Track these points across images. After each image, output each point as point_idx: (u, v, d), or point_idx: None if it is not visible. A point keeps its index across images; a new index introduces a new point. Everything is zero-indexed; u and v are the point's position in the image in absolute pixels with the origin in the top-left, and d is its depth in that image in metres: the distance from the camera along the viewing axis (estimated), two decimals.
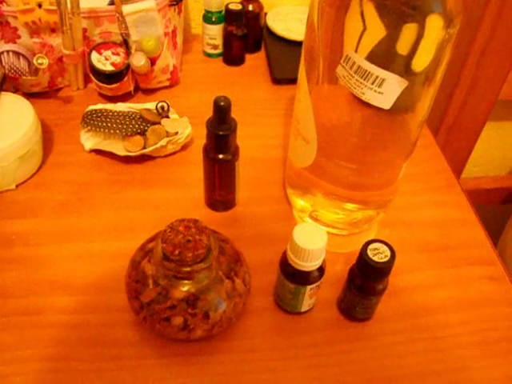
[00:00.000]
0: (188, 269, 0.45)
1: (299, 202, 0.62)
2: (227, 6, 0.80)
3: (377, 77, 0.43)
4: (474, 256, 0.62)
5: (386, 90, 0.44)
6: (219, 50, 0.87)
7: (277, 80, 0.82)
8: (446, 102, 1.05)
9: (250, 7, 0.84)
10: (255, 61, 0.88)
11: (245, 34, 0.83)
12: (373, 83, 0.44)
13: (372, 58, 0.42)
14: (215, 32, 0.84)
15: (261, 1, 0.85)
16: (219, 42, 0.85)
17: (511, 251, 1.16)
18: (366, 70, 0.43)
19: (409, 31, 0.40)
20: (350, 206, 0.58)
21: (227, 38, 0.83)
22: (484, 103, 1.05)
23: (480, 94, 1.03)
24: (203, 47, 0.88)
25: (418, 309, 0.56)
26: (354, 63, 0.43)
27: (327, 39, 0.45)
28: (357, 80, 0.44)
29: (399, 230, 0.63)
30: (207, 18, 0.83)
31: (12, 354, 0.50)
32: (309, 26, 0.48)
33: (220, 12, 0.82)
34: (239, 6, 0.80)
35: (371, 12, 0.40)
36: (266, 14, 0.90)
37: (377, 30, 0.41)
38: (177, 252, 0.45)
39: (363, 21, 0.40)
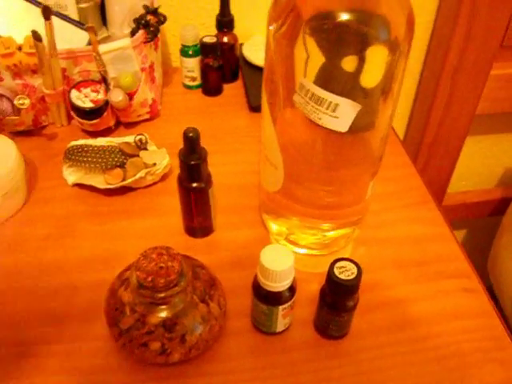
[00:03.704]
0: (162, 294, 0.47)
1: (275, 226, 0.63)
2: (202, 39, 0.84)
3: (330, 102, 0.45)
4: (449, 269, 0.63)
5: (341, 114, 0.46)
6: (198, 82, 0.90)
7: (254, 108, 0.85)
8: (424, 120, 1.08)
9: (225, 39, 0.87)
10: (233, 90, 0.91)
11: (221, 65, 0.86)
12: (327, 108, 0.46)
13: (320, 80, 0.45)
14: (193, 65, 0.87)
15: (235, 32, 0.88)
16: (197, 74, 0.88)
17: (502, 262, 1.17)
18: (320, 97, 0.45)
19: (349, 62, 0.43)
20: (323, 226, 0.60)
21: (204, 69, 0.86)
22: (462, 119, 1.07)
23: (457, 110, 1.05)
24: (182, 79, 0.90)
25: (393, 324, 0.57)
26: (308, 90, 0.46)
27: (283, 67, 0.48)
28: (312, 106, 0.46)
29: (375, 247, 0.65)
30: (184, 51, 0.86)
31: None
32: (267, 55, 0.50)
33: (196, 45, 0.85)
34: (214, 39, 0.83)
35: (313, 43, 0.43)
36: (241, 44, 0.93)
37: (320, 58, 0.44)
38: (150, 279, 0.47)
39: (306, 50, 0.43)
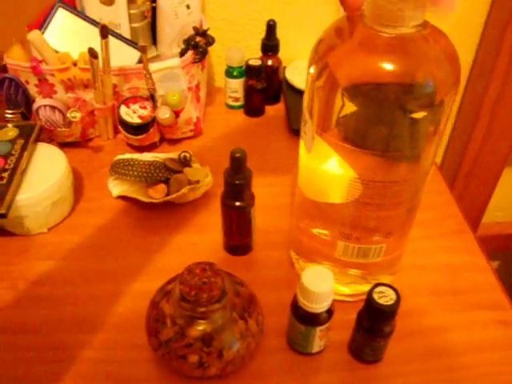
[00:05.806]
0: (203, 309, 0.49)
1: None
2: (247, 62, 0.86)
3: (304, 115, 0.49)
4: (484, 300, 0.63)
5: (307, 131, 0.48)
6: (240, 102, 0.92)
7: (294, 130, 0.86)
8: (462, 149, 1.08)
9: (270, 62, 0.90)
10: (274, 112, 0.93)
11: (264, 88, 0.88)
12: (302, 120, 0.49)
13: (356, 127, 0.45)
14: (236, 86, 0.89)
15: (279, 56, 0.90)
16: (240, 94, 0.91)
17: None
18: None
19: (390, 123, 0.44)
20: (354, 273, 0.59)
21: (248, 91, 0.89)
22: (500, 150, 1.07)
23: (496, 141, 1.05)
24: (225, 99, 0.93)
25: (427, 352, 0.57)
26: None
27: (318, 105, 0.48)
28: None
29: (410, 274, 0.65)
30: (229, 72, 0.88)
31: None
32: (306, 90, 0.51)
33: (241, 67, 0.88)
34: (259, 62, 0.86)
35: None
36: (284, 67, 0.95)
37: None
38: (193, 293, 0.48)
39: (343, 101, 0.43)
